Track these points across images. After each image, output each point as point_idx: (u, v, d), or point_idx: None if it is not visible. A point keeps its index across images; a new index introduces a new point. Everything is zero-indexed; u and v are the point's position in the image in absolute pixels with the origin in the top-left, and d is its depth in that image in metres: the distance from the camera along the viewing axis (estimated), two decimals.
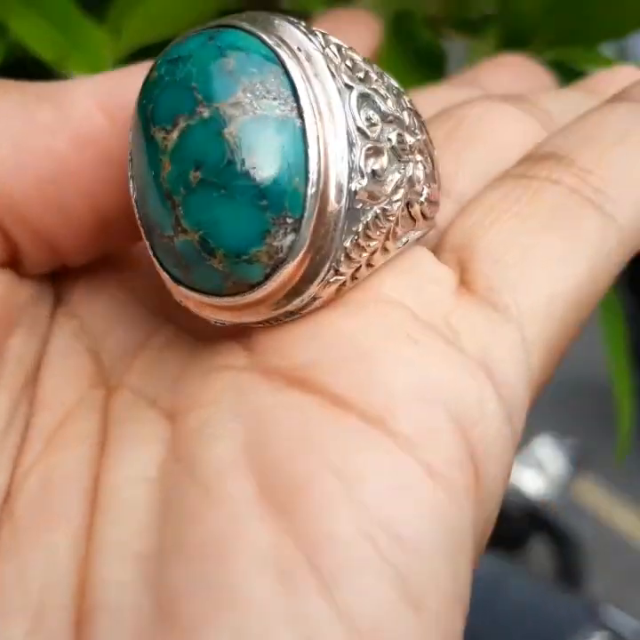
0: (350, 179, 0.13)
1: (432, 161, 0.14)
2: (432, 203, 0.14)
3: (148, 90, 0.13)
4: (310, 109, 0.12)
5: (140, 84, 0.13)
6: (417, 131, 0.14)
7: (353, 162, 0.13)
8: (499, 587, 0.50)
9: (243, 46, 0.13)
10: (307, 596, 0.10)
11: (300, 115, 0.12)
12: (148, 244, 0.13)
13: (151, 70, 0.13)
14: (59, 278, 0.16)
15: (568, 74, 0.21)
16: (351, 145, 0.13)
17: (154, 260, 0.13)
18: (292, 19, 0.13)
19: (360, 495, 0.11)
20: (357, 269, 0.13)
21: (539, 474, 0.72)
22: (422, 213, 0.14)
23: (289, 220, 0.12)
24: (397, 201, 0.13)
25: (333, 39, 0.13)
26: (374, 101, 0.13)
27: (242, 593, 0.10)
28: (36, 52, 0.22)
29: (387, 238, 0.13)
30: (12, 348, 0.14)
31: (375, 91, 0.13)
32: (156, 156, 0.13)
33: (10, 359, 0.14)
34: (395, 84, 0.14)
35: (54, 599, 0.12)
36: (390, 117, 0.13)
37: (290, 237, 0.13)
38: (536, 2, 0.20)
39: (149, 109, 0.13)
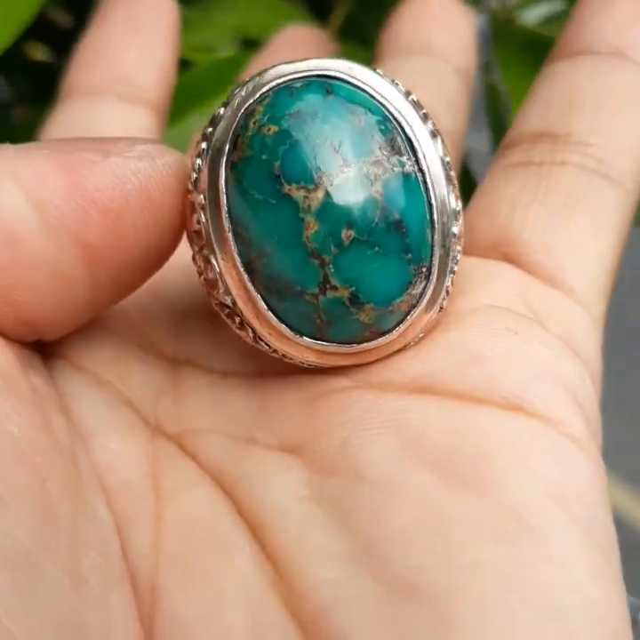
0: (452, 223, 0.13)
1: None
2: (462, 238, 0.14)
3: (267, 145, 0.12)
4: (424, 162, 0.13)
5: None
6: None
7: (450, 206, 0.13)
8: None
9: (362, 102, 0.13)
10: (525, 548, 0.11)
11: (420, 169, 0.13)
12: (259, 299, 0.13)
13: (259, 123, 0.13)
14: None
15: None
16: (448, 191, 0.13)
17: (269, 314, 0.13)
18: (370, 67, 0.13)
19: (535, 466, 0.12)
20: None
21: None
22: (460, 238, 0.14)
23: (423, 269, 0.13)
24: (461, 236, 0.14)
25: (400, 82, 0.14)
26: (444, 143, 0.14)
27: (469, 558, 0.11)
28: None
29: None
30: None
31: (439, 131, 0.14)
32: (296, 215, 0.12)
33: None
34: None
35: (262, 610, 0.12)
36: (448, 157, 0.14)
37: (422, 285, 0.13)
38: None
39: (276, 166, 0.12)
